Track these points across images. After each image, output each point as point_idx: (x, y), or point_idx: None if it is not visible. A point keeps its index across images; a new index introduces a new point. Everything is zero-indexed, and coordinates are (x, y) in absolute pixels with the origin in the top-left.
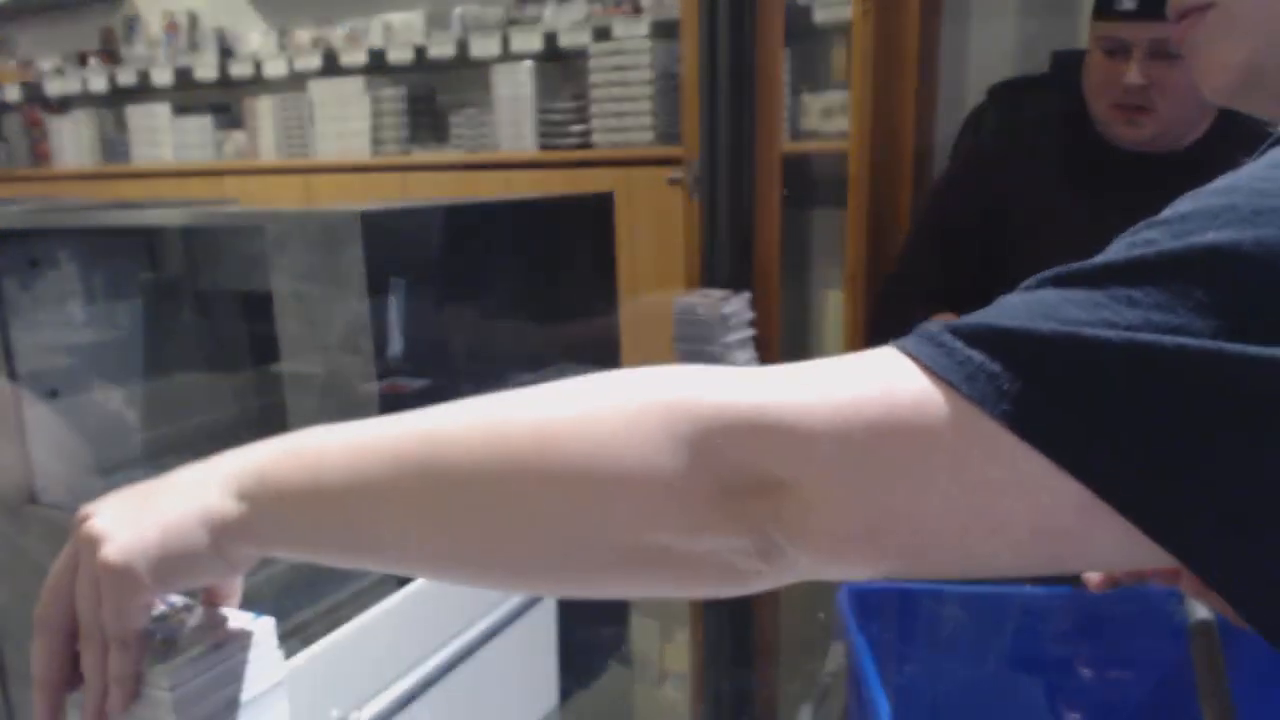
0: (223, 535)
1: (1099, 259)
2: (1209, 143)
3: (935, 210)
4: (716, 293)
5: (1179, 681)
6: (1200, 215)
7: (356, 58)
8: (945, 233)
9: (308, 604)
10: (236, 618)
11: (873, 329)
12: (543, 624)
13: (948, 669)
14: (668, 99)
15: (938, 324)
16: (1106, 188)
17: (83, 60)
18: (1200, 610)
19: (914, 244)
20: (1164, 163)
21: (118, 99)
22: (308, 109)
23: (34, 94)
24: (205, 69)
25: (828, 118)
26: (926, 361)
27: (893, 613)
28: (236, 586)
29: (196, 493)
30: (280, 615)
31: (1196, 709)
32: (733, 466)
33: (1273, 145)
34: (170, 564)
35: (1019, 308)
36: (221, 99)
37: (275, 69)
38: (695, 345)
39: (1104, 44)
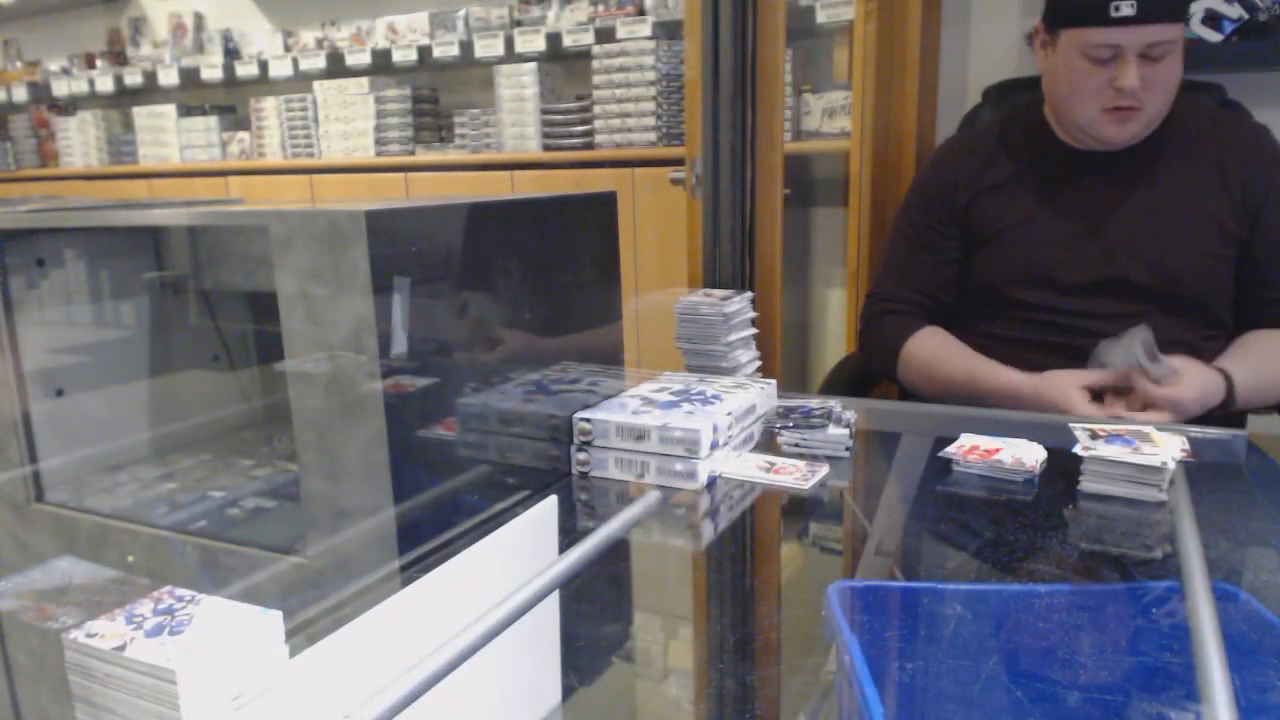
0: None
1: None
2: (1154, 139)
3: (904, 218)
4: (719, 292)
5: (1181, 678)
6: None
7: (361, 58)
8: (917, 240)
9: (313, 602)
10: (243, 612)
11: (860, 340)
12: (545, 622)
13: (948, 666)
14: (670, 99)
15: None
16: (1063, 185)
17: (89, 61)
18: None
19: (890, 254)
20: (1115, 159)
21: (124, 99)
22: (312, 109)
23: (41, 94)
24: (211, 70)
25: (830, 117)
26: None
27: (894, 610)
28: None
29: None
30: (285, 612)
31: (1198, 706)
32: None
33: None
34: None
35: None
36: (227, 99)
37: (280, 70)
38: (698, 344)
39: (1095, 51)
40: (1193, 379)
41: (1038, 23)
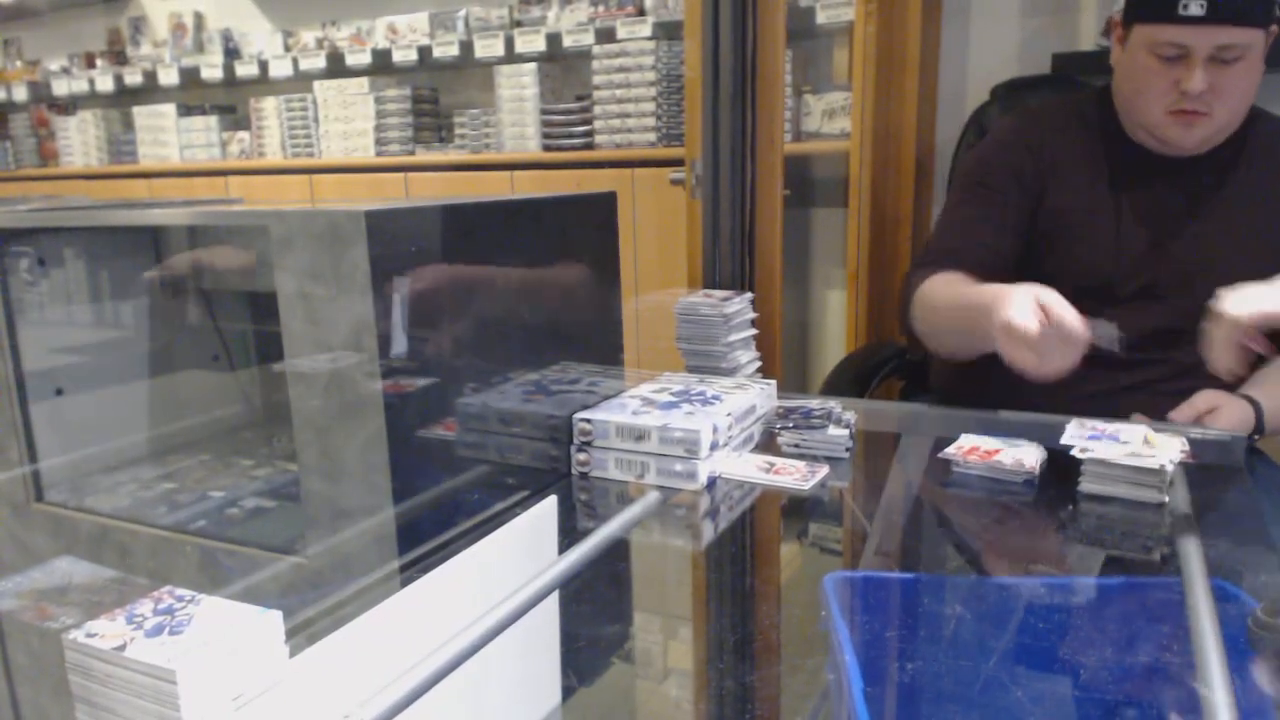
0: None
1: None
2: (1228, 147)
3: (964, 181)
4: (719, 293)
5: (1180, 678)
6: None
7: (361, 58)
8: (988, 201)
9: (312, 602)
10: (243, 612)
11: (902, 302)
12: (545, 622)
13: (940, 656)
14: (670, 100)
15: None
16: (1129, 187)
17: (90, 61)
18: None
19: (945, 220)
20: (1187, 164)
21: (124, 99)
22: (312, 109)
23: (41, 94)
24: (211, 69)
25: (830, 118)
26: None
27: (888, 600)
28: None
29: None
30: (285, 612)
31: (1198, 705)
32: None
33: None
34: None
35: None
36: (227, 99)
37: (280, 69)
38: (698, 345)
39: (1163, 50)
40: (1224, 412)
41: (1116, 14)
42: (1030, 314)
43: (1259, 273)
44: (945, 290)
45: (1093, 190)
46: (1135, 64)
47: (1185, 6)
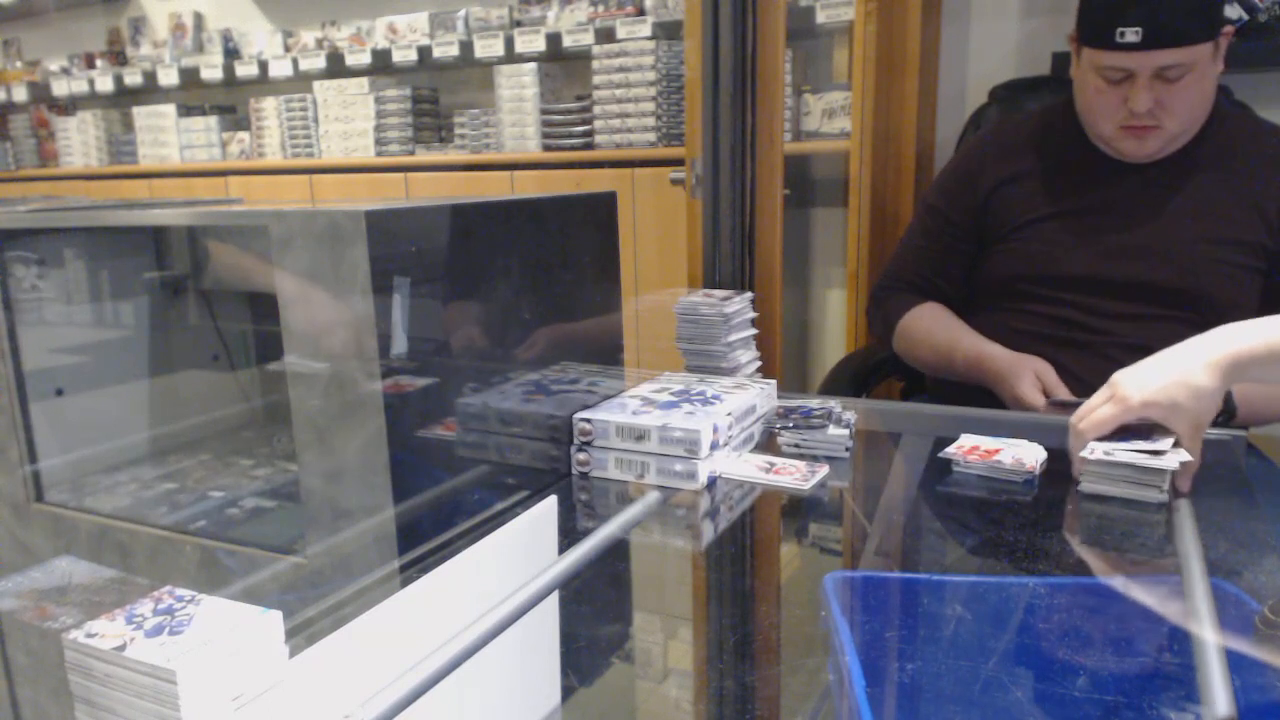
0: None
1: None
2: (1188, 149)
3: (925, 203)
4: (719, 292)
5: (1180, 678)
6: None
7: (361, 58)
8: (931, 227)
9: (312, 602)
10: (243, 612)
11: (866, 311)
12: (545, 622)
13: (940, 654)
14: (670, 99)
15: None
16: (1091, 186)
17: (89, 61)
18: None
19: (907, 235)
20: (1148, 167)
21: (124, 99)
22: (312, 109)
23: (41, 94)
24: (211, 70)
25: (830, 118)
26: None
27: (888, 599)
28: None
29: None
30: (285, 612)
31: (1197, 705)
32: None
33: None
34: None
35: None
36: (227, 100)
37: (280, 70)
38: (698, 344)
39: (1107, 73)
40: None
41: (1073, 31)
42: (1036, 391)
43: (1225, 258)
44: (934, 330)
45: (1052, 193)
46: (1086, 83)
47: (1122, 35)
